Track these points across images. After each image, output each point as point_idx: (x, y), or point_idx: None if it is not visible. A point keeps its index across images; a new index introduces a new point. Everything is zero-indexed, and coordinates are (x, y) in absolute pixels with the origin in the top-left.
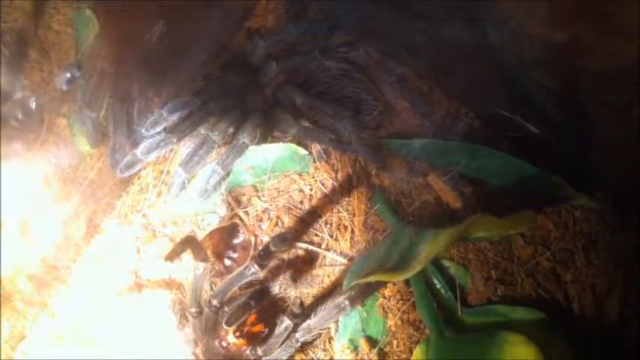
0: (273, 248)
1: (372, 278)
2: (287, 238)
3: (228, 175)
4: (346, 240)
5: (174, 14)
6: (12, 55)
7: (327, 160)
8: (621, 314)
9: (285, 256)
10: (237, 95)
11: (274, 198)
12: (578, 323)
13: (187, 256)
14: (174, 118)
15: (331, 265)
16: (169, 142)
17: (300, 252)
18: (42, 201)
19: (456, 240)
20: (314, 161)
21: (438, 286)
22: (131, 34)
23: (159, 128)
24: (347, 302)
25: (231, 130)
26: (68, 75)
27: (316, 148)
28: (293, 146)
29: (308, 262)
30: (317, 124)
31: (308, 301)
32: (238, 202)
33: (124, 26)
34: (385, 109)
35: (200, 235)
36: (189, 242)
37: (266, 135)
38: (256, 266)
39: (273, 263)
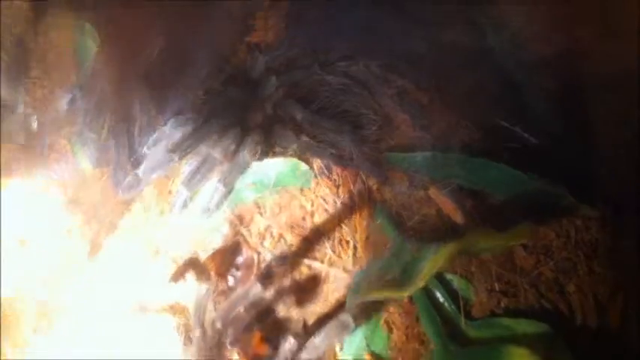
0: (274, 269)
1: (374, 296)
2: (287, 258)
3: (230, 192)
4: (348, 255)
5: (174, 27)
6: (13, 68)
7: (329, 175)
8: (624, 320)
9: (288, 274)
10: (238, 111)
11: (276, 214)
12: (582, 332)
13: (191, 277)
14: (176, 136)
15: (334, 281)
16: (171, 161)
17: (303, 269)
18: (44, 221)
19: (456, 255)
20: (315, 176)
21: (442, 299)
22: (131, 48)
23: (161, 147)
24: (351, 320)
25: (232, 147)
26: (69, 96)
27: (317, 163)
28: (294, 161)
29: (311, 278)
30: (317, 139)
31: (312, 319)
32: (241, 219)
33: (124, 41)
34: (385, 123)
35: (203, 254)
36: (192, 264)
37: (267, 151)
38: (259, 286)
39: (276, 282)
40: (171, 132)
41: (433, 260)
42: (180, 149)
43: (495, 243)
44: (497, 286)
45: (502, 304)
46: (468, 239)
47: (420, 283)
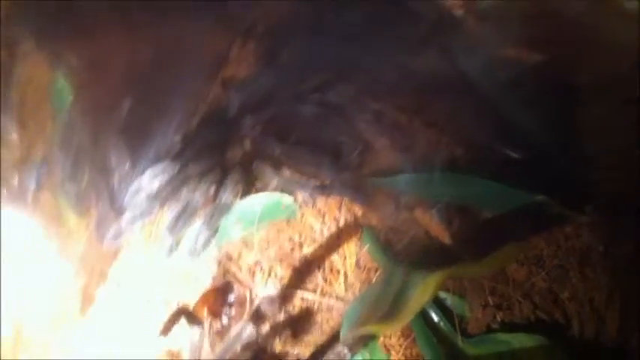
0: (266, 307)
1: (366, 329)
2: (275, 300)
3: (215, 233)
4: (340, 283)
5: (146, 75)
6: None
7: (313, 204)
8: (622, 324)
9: (281, 308)
10: (215, 152)
11: (265, 249)
12: (580, 340)
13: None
14: (155, 185)
15: (328, 310)
16: (152, 210)
17: (296, 301)
18: (34, 276)
19: (444, 282)
20: (300, 207)
21: (436, 319)
22: (105, 99)
23: (141, 197)
24: (346, 350)
25: (212, 190)
26: (48, 148)
27: (301, 193)
28: (277, 195)
29: (305, 310)
30: (298, 171)
31: (308, 350)
32: (229, 257)
33: (97, 91)
34: (365, 148)
35: (195, 296)
36: (181, 312)
37: (249, 189)
38: (252, 327)
39: (270, 318)
40: (150, 181)
41: (422, 290)
42: (161, 197)
43: (483, 269)
44: (491, 301)
45: (498, 318)
46: (456, 268)
47: (411, 316)
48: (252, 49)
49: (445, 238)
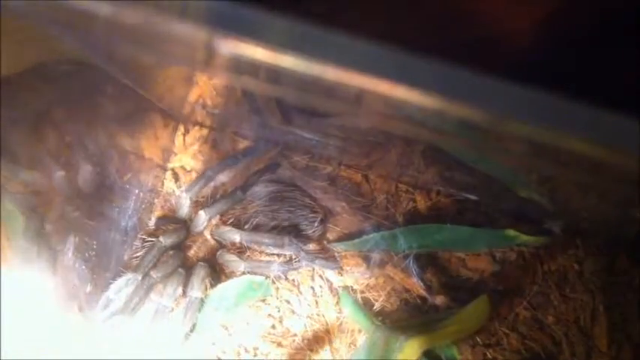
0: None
1: None
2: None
3: (193, 329)
4: (326, 350)
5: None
6: None
7: (286, 277)
8: (610, 338)
9: None
10: (175, 253)
11: (246, 331)
12: None
13: None
14: (122, 299)
15: None
16: (124, 322)
17: None
18: None
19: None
20: (273, 282)
21: None
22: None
23: (110, 312)
24: None
25: (179, 290)
26: None
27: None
28: (248, 277)
29: None
30: (263, 253)
31: None
32: (213, 342)
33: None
34: (325, 216)
35: None
36: None
37: (217, 279)
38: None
39: None
40: (116, 296)
41: (406, 355)
42: (129, 308)
43: (463, 330)
44: (479, 340)
45: (489, 356)
46: (433, 335)
47: None
48: (198, 138)
49: (420, 291)
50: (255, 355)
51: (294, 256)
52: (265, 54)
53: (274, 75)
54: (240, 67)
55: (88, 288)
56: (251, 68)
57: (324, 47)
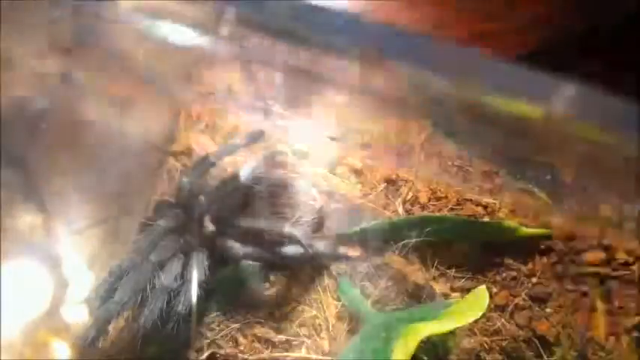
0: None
1: None
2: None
3: (190, 314)
4: (323, 338)
5: None
6: None
7: (284, 264)
8: (609, 330)
9: None
10: (175, 238)
11: (243, 317)
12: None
13: None
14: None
15: None
16: (125, 310)
17: None
18: None
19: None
20: (272, 268)
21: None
22: None
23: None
24: None
25: (178, 275)
26: None
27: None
28: (246, 263)
29: None
30: (263, 240)
31: None
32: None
33: None
34: (325, 203)
35: None
36: None
37: (216, 265)
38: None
39: None
40: (115, 278)
41: (403, 346)
42: (131, 289)
43: (460, 316)
44: (477, 330)
45: (487, 346)
46: (431, 324)
47: None
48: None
49: (418, 278)
50: (253, 342)
51: (293, 243)
52: None
53: None
54: None
55: None
56: None
57: None
